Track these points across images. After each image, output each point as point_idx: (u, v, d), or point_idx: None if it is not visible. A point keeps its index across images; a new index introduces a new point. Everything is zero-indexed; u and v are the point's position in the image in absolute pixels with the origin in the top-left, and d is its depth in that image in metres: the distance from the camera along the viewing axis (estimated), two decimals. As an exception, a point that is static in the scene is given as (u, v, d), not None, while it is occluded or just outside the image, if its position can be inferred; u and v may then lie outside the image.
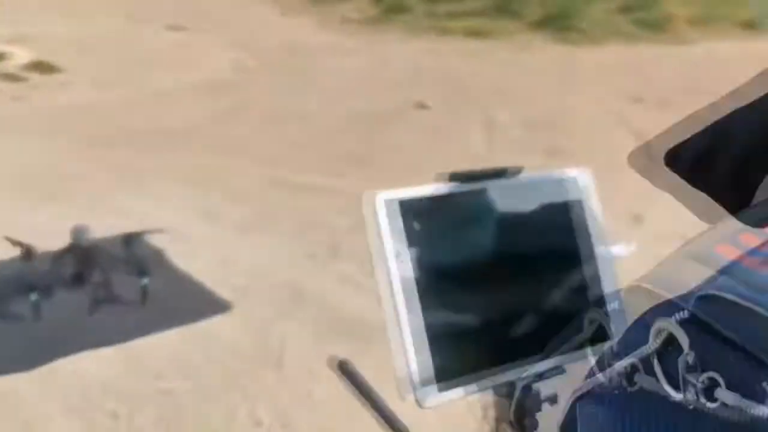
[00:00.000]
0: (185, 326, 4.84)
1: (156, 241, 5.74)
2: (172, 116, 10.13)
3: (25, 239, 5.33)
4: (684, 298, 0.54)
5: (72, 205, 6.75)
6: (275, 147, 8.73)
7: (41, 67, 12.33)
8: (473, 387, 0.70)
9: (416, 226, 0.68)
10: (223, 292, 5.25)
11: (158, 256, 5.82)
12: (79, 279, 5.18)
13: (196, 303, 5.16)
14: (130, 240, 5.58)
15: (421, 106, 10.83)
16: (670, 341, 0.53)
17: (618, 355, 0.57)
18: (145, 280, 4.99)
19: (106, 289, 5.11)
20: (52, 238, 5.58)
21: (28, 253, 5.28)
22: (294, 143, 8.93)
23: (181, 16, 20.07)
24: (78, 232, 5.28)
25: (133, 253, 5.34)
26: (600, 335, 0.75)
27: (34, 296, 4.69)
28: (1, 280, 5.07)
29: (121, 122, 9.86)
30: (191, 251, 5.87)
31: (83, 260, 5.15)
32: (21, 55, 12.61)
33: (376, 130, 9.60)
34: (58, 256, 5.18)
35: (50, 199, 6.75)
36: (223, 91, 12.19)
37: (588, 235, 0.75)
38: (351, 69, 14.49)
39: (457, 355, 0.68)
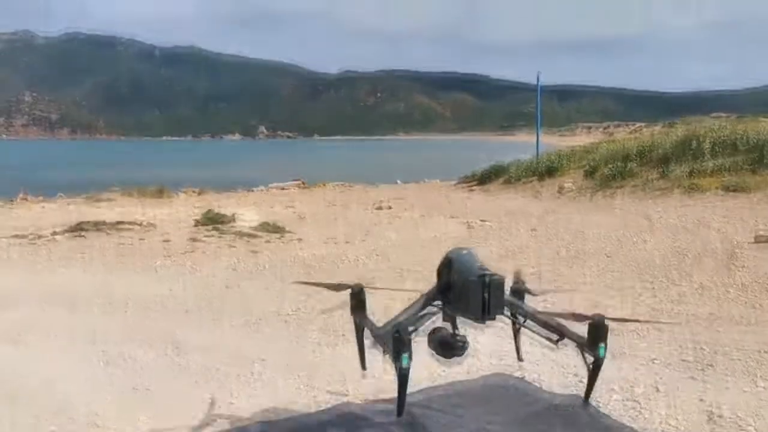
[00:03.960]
0: None
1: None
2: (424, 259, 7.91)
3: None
4: None
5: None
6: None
7: (269, 227, 10.94)
8: None
9: None
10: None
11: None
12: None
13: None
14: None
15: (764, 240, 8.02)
16: None
17: None
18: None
19: None
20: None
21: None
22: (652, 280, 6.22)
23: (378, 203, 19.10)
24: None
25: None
26: None
27: None
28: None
29: (373, 267, 7.77)
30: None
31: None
32: (250, 218, 11.41)
33: (731, 264, 6.77)
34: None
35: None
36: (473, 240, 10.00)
37: None
38: (609, 223, 11.99)
39: None
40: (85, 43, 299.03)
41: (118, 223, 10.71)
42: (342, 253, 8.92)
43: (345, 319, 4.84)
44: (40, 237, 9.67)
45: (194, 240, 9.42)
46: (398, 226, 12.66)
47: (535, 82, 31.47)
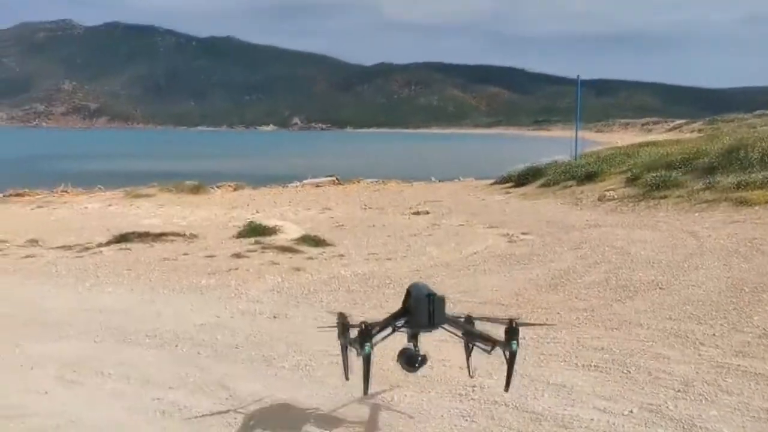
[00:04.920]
0: None
1: None
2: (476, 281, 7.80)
3: None
4: None
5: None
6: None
7: (310, 240, 10.92)
8: None
9: None
10: None
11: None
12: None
13: None
14: None
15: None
16: None
17: None
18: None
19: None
20: None
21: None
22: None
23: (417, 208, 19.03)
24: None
25: None
26: None
27: None
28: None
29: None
30: None
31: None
32: (292, 229, 11.40)
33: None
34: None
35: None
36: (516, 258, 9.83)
37: None
38: (655, 240, 11.71)
39: None
40: (124, 33, 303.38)
41: (162, 234, 10.79)
42: (384, 272, 8.85)
43: (399, 370, 4.78)
44: (86, 249, 9.78)
45: (237, 256, 9.43)
46: (438, 238, 12.53)
47: (572, 76, 31.07)
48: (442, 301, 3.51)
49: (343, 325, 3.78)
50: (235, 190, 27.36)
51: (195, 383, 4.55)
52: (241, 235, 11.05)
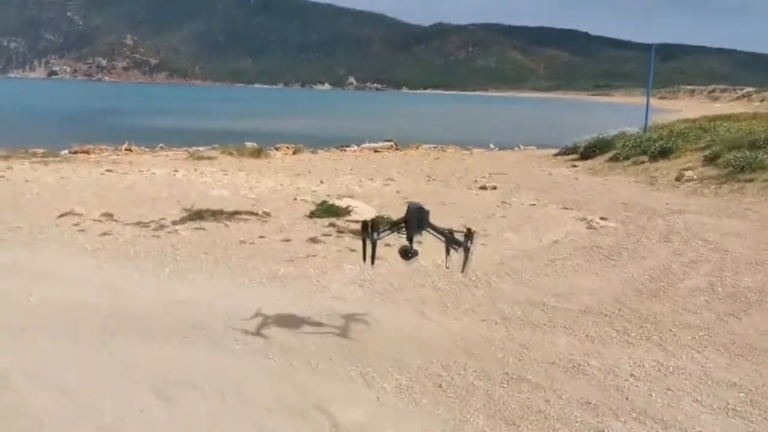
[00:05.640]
0: None
1: None
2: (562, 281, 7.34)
3: None
4: None
5: None
6: None
7: (385, 223, 10.54)
8: None
9: None
10: None
11: None
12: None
13: None
14: None
15: None
16: None
17: None
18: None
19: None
20: None
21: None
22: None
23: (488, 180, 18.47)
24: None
25: None
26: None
27: None
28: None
29: (510, 294, 7.28)
30: None
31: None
32: (365, 210, 11.05)
33: None
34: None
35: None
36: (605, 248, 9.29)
37: None
38: (750, 233, 10.96)
39: None
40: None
41: (235, 213, 10.57)
42: (467, 265, 8.43)
43: (514, 401, 4.39)
44: (162, 227, 9.63)
45: (314, 240, 9.14)
46: (512, 221, 12.02)
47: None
48: (427, 213, 5.37)
49: (366, 226, 5.56)
50: (294, 153, 27.17)
51: (293, 405, 4.26)
52: (314, 215, 10.75)
